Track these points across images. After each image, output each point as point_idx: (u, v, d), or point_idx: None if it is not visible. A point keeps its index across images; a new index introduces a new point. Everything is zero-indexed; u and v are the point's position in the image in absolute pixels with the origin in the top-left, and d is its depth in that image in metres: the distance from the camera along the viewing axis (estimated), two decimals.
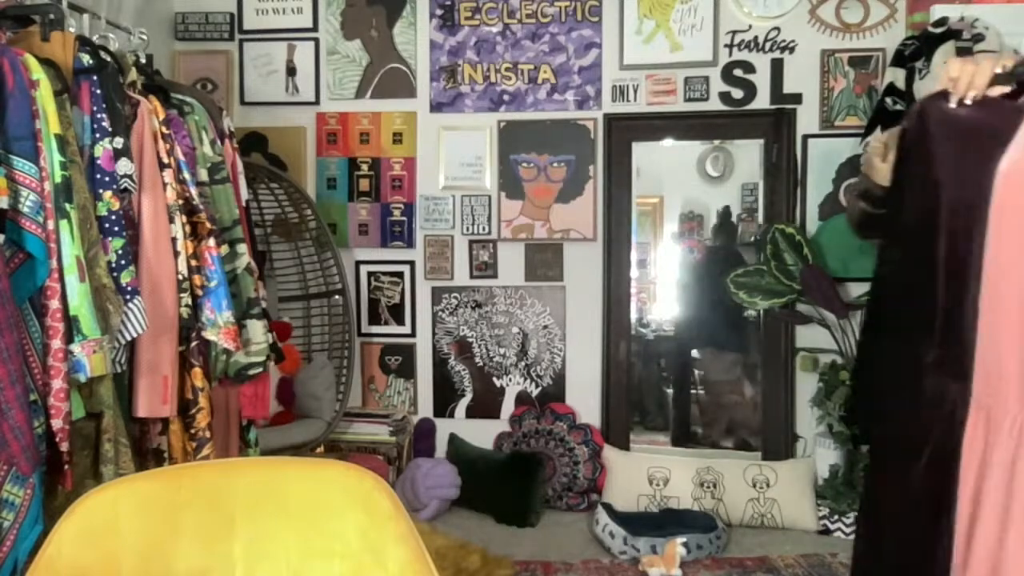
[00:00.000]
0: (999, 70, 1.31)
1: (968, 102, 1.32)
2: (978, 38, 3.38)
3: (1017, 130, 1.26)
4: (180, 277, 2.07)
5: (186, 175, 2.13)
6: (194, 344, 2.14)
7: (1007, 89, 1.31)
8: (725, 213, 5.52)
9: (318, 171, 4.10)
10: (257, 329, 2.40)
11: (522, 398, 4.04)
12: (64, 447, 1.73)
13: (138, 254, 2.00)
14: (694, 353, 5.23)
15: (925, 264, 1.35)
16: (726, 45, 3.85)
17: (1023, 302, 1.24)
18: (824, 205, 3.82)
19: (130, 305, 1.89)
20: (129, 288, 1.90)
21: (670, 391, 5.16)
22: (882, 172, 1.44)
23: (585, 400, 4.00)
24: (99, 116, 1.93)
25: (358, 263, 4.10)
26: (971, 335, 1.29)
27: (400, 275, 4.09)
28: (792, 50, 3.83)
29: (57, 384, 1.71)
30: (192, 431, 2.14)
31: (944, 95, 1.35)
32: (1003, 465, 1.24)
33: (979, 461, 1.27)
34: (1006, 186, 1.26)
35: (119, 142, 1.94)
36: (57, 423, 1.71)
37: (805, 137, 3.82)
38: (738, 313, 5.23)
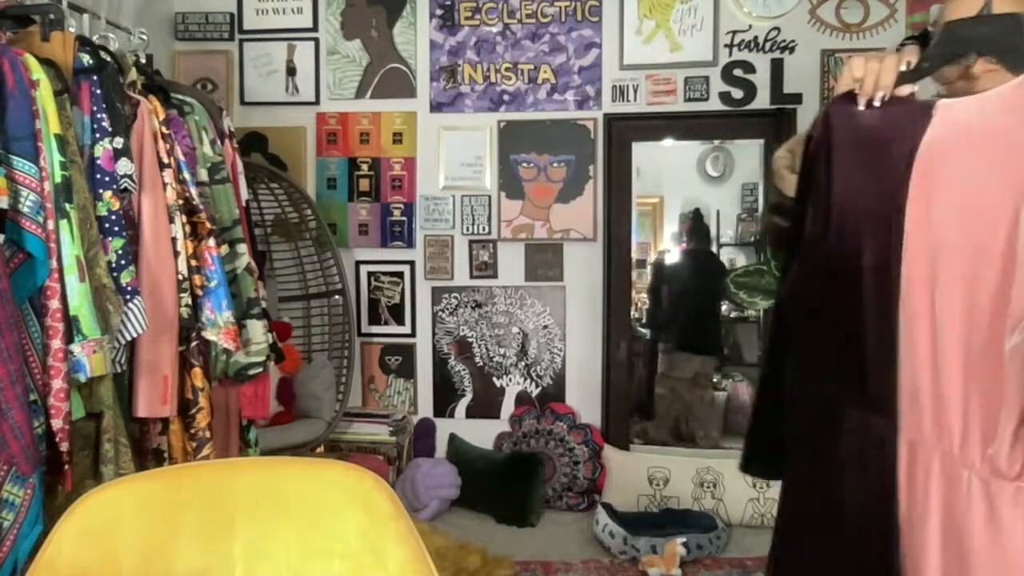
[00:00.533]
0: (904, 67, 1.20)
1: (876, 103, 1.21)
2: None
3: (925, 131, 1.15)
4: (180, 277, 2.07)
5: (186, 175, 2.13)
6: (194, 344, 2.14)
7: (915, 88, 1.21)
8: (696, 216, 5.51)
9: (318, 171, 4.10)
10: (257, 329, 2.40)
11: (522, 398, 4.04)
12: (64, 447, 1.73)
13: (138, 254, 2.00)
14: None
15: (837, 284, 1.23)
16: (726, 45, 3.85)
17: (933, 322, 1.13)
18: None
19: (130, 305, 1.89)
20: (129, 288, 1.90)
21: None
22: (791, 183, 1.32)
23: (585, 400, 4.00)
24: (99, 116, 1.93)
25: (358, 263, 4.10)
26: (892, 362, 1.18)
27: (400, 275, 4.09)
28: (792, 50, 3.83)
29: (57, 384, 1.71)
30: (192, 431, 2.14)
31: (850, 97, 1.23)
32: (938, 508, 1.14)
33: (920, 504, 1.16)
34: (923, 196, 1.15)
35: (119, 142, 1.94)
36: (57, 423, 1.71)
37: None
38: (712, 314, 5.25)
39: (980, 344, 1.08)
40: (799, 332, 1.30)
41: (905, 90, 1.20)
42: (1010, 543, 1.06)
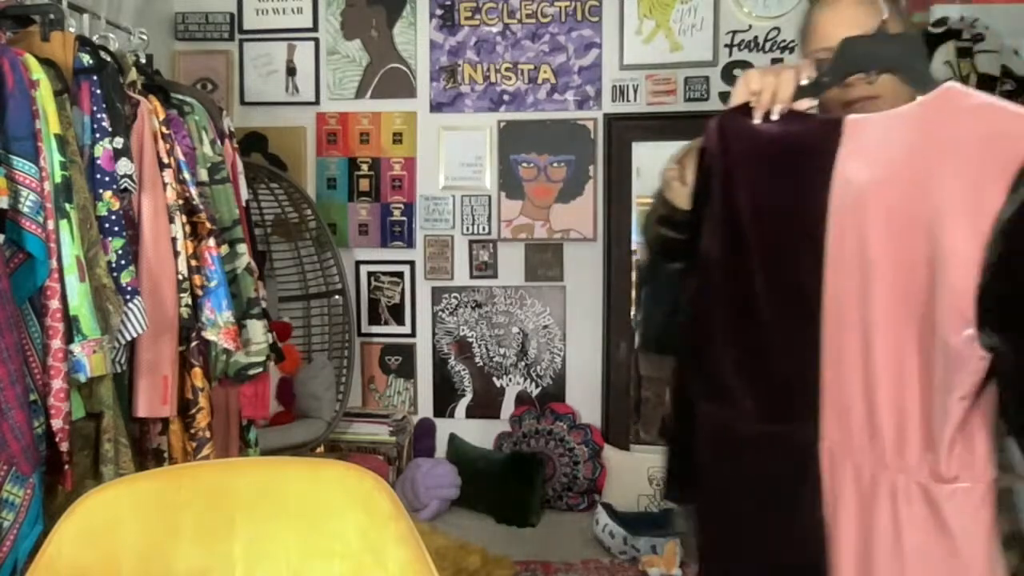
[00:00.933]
0: (804, 81, 1.18)
1: (774, 117, 1.18)
2: (978, 38, 3.38)
3: (838, 147, 1.14)
4: (180, 277, 2.07)
5: (186, 175, 2.13)
6: (194, 344, 2.14)
7: (814, 103, 1.19)
8: None
9: (318, 171, 4.10)
10: (257, 329, 2.40)
11: (522, 398, 4.04)
12: (64, 447, 1.73)
13: (138, 254, 2.00)
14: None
15: (744, 300, 1.21)
16: (726, 45, 3.85)
17: (864, 336, 1.12)
18: None
19: (130, 305, 1.89)
20: (129, 288, 1.90)
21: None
22: (683, 195, 1.30)
23: (585, 400, 4.00)
24: (99, 116, 1.93)
25: (358, 263, 4.10)
26: (814, 376, 1.16)
27: (400, 275, 4.09)
28: (792, 50, 3.83)
29: (57, 384, 1.71)
30: (192, 431, 2.14)
31: (745, 110, 1.21)
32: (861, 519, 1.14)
33: (848, 511, 1.15)
34: (846, 212, 1.13)
35: (119, 142, 1.94)
36: (57, 423, 1.71)
37: None
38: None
39: (915, 354, 1.08)
40: (702, 351, 1.27)
41: (803, 104, 1.18)
42: (952, 541, 1.07)
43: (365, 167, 4.07)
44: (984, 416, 1.06)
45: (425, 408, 4.11)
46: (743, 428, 1.23)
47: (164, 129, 2.10)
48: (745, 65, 3.83)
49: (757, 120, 1.19)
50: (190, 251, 2.10)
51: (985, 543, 1.07)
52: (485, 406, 4.06)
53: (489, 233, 4.00)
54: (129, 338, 1.91)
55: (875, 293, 1.11)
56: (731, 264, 1.22)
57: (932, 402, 1.07)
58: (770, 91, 1.18)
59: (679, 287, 1.32)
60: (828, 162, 1.14)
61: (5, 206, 1.66)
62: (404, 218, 4.05)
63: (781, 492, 1.20)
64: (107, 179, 1.91)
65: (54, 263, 1.72)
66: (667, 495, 1.41)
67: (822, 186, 1.14)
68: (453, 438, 4.01)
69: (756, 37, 3.84)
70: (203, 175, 2.31)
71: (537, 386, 4.03)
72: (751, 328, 1.21)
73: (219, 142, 2.42)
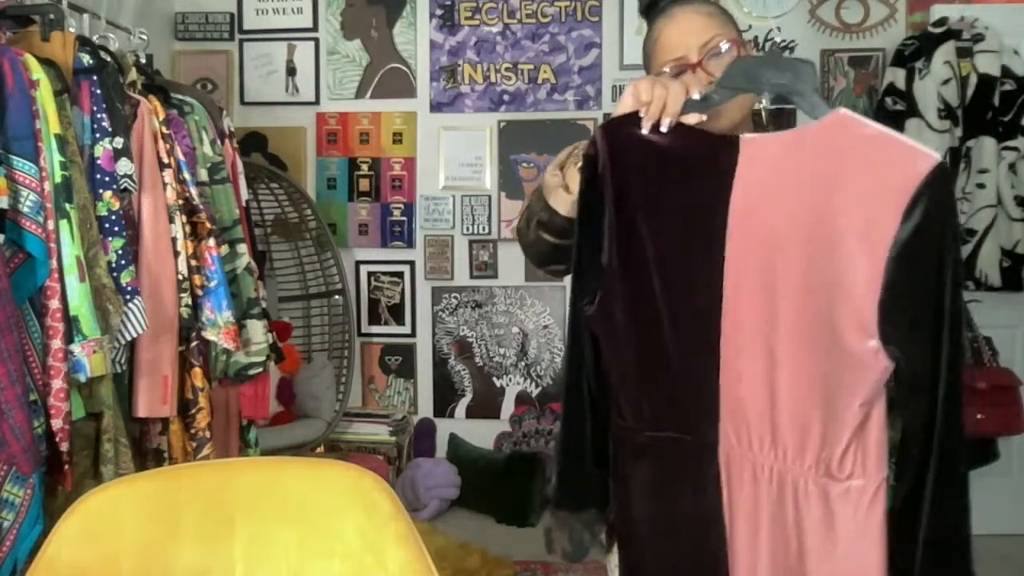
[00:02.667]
0: (696, 96, 1.18)
1: (663, 129, 1.18)
2: (978, 38, 3.39)
3: (735, 166, 1.15)
4: (180, 277, 2.07)
5: (186, 175, 2.13)
6: (194, 344, 2.14)
7: (703, 117, 1.19)
8: None
9: (318, 171, 4.10)
10: (257, 329, 2.40)
11: (522, 398, 4.04)
12: (64, 447, 1.73)
13: (138, 254, 2.00)
14: None
15: (643, 314, 1.22)
16: None
17: (768, 354, 1.15)
18: None
19: (130, 305, 1.89)
20: (129, 288, 1.90)
21: None
22: (565, 202, 1.29)
23: None
24: (99, 116, 1.93)
25: (358, 263, 4.10)
26: (713, 388, 1.19)
27: (400, 275, 4.09)
28: (792, 50, 3.83)
29: (57, 384, 1.71)
30: (192, 431, 2.14)
31: (633, 119, 1.20)
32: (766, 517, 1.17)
33: (748, 514, 1.19)
34: (746, 233, 1.15)
35: (119, 142, 1.94)
36: (57, 423, 1.71)
37: None
38: None
39: (818, 368, 1.12)
40: (606, 366, 1.28)
41: (692, 119, 1.18)
42: (844, 536, 1.11)
43: (365, 167, 4.07)
44: (879, 418, 1.11)
45: (425, 408, 4.11)
46: (641, 437, 1.25)
47: (164, 129, 2.10)
48: None
49: (645, 130, 1.19)
50: (190, 251, 2.10)
51: (877, 538, 1.10)
52: (485, 406, 4.06)
53: (489, 233, 4.00)
54: (129, 338, 1.91)
55: (780, 311, 1.14)
56: (633, 279, 1.22)
57: (833, 409, 1.11)
58: (660, 102, 1.17)
59: (574, 304, 1.32)
60: (727, 181, 1.16)
61: (5, 206, 1.66)
62: (404, 218, 4.05)
63: (679, 494, 1.24)
64: (107, 179, 1.91)
65: (54, 263, 1.72)
66: (559, 503, 1.38)
67: (722, 206, 1.16)
68: (453, 438, 4.01)
69: (756, 37, 3.84)
70: (203, 175, 2.32)
71: (537, 386, 4.03)
72: (650, 338, 1.22)
73: (219, 142, 2.42)
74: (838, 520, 1.12)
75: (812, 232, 1.11)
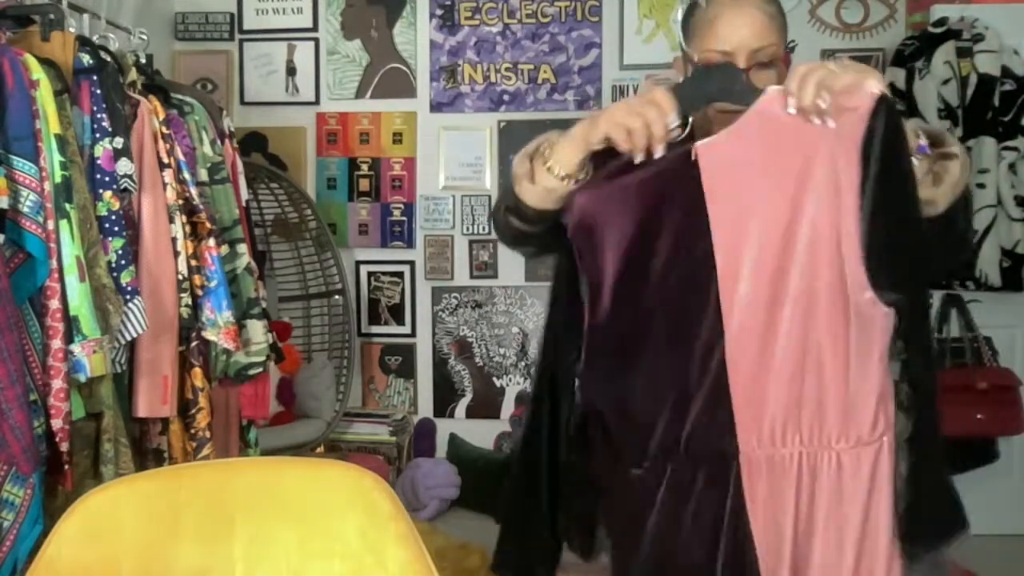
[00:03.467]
0: (673, 124, 1.18)
1: (658, 155, 1.18)
2: (978, 38, 3.39)
3: (699, 177, 1.17)
4: (180, 277, 2.07)
5: (186, 175, 2.13)
6: (194, 344, 2.14)
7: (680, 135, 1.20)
8: None
9: (318, 171, 4.10)
10: (257, 329, 2.40)
11: (522, 398, 4.03)
12: (64, 447, 1.73)
13: (138, 254, 2.00)
14: None
15: (639, 317, 1.23)
16: None
17: (779, 343, 1.17)
18: None
19: (130, 305, 1.89)
20: (129, 288, 1.90)
21: None
22: (531, 193, 1.28)
23: None
24: (99, 116, 1.93)
25: (358, 263, 4.10)
26: (726, 391, 1.20)
27: (400, 275, 4.09)
28: (792, 50, 3.83)
29: (57, 384, 1.71)
30: (192, 431, 2.14)
31: (609, 150, 1.20)
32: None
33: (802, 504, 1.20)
34: (731, 242, 1.18)
35: (119, 142, 1.94)
36: (57, 423, 1.71)
37: None
38: None
39: (832, 338, 1.15)
40: (597, 416, 1.29)
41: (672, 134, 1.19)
42: (868, 493, 1.17)
43: (365, 167, 4.07)
44: (887, 370, 1.17)
45: (425, 408, 4.11)
46: (651, 474, 1.25)
47: (164, 129, 2.10)
48: None
49: (638, 160, 1.19)
50: (190, 251, 2.10)
51: (890, 488, 1.17)
52: (485, 406, 4.06)
53: (489, 233, 4.00)
54: (129, 338, 1.91)
55: (783, 303, 1.16)
56: (628, 316, 1.24)
57: (858, 374, 1.15)
58: (645, 133, 1.17)
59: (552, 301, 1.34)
60: (699, 195, 1.18)
61: (5, 206, 1.66)
62: (404, 218, 4.05)
63: (705, 513, 1.23)
64: (107, 179, 1.91)
65: (54, 263, 1.72)
66: (498, 567, 1.39)
67: (701, 219, 1.18)
68: (453, 438, 4.01)
69: None
70: (203, 175, 2.31)
71: None
72: (657, 373, 1.24)
73: (219, 142, 2.42)
74: (861, 482, 1.16)
75: (791, 215, 1.14)
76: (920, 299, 1.16)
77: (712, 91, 1.21)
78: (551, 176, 1.25)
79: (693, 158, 1.18)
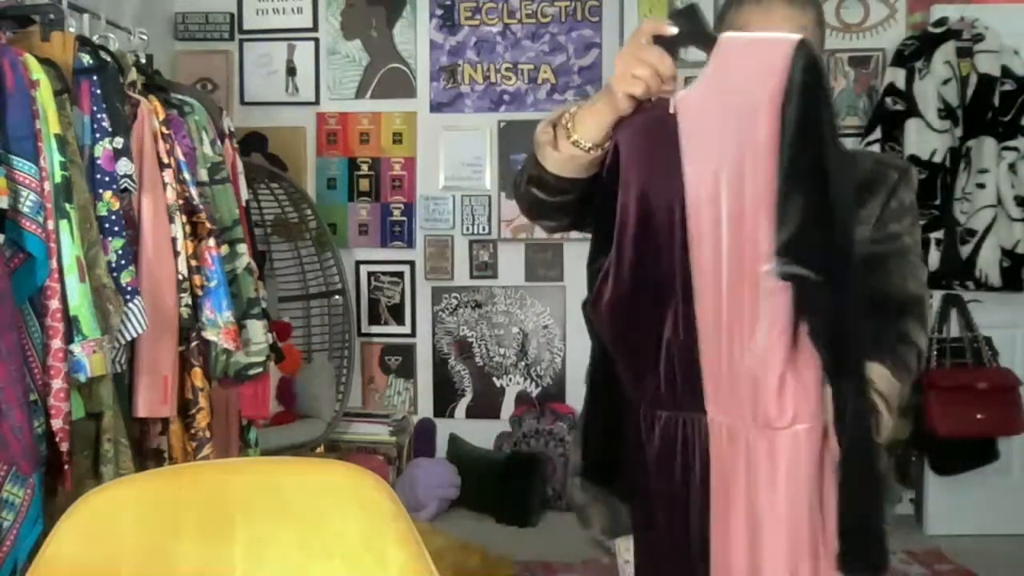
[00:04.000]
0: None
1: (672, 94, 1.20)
2: (978, 38, 3.39)
3: (676, 125, 1.17)
4: (180, 277, 2.07)
5: (186, 175, 2.13)
6: (194, 344, 2.14)
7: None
8: None
9: (318, 171, 4.10)
10: (257, 329, 2.40)
11: (522, 398, 4.04)
12: (64, 447, 1.73)
13: (138, 254, 2.00)
14: None
15: (647, 290, 1.24)
16: None
17: (724, 308, 1.14)
18: None
19: (130, 305, 1.89)
20: (129, 288, 1.90)
21: None
22: (553, 159, 1.30)
23: None
24: (99, 116, 1.93)
25: (358, 263, 4.10)
26: (695, 352, 1.19)
27: (400, 275, 4.09)
28: None
29: (57, 384, 1.71)
30: (192, 431, 2.14)
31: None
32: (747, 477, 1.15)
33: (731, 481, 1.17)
34: (699, 197, 1.16)
35: (119, 142, 1.95)
36: (57, 423, 1.71)
37: None
38: None
39: (742, 307, 1.12)
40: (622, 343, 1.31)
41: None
42: (789, 480, 1.09)
43: (365, 167, 4.07)
44: (810, 355, 1.08)
45: (425, 408, 4.11)
46: (654, 411, 1.26)
47: (164, 129, 2.10)
48: None
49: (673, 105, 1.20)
50: (190, 251, 2.10)
51: (815, 481, 1.09)
52: (485, 406, 4.06)
53: (489, 233, 4.00)
54: (129, 338, 1.91)
55: (724, 260, 1.13)
56: (641, 262, 1.25)
57: (754, 349, 1.10)
58: (655, 76, 1.20)
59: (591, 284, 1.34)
60: (676, 146, 1.18)
61: (5, 206, 1.66)
62: (404, 218, 4.05)
63: (682, 467, 1.23)
64: (107, 179, 1.91)
65: (54, 263, 1.72)
66: (587, 475, 1.40)
67: (678, 170, 1.17)
68: (453, 438, 4.01)
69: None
70: (203, 175, 2.31)
71: (537, 386, 4.03)
72: (645, 318, 1.24)
73: (219, 142, 2.42)
74: (782, 466, 1.09)
75: (738, 167, 1.10)
76: (840, 281, 1.07)
77: (681, 33, 1.21)
78: (577, 148, 1.27)
79: (673, 110, 1.19)
